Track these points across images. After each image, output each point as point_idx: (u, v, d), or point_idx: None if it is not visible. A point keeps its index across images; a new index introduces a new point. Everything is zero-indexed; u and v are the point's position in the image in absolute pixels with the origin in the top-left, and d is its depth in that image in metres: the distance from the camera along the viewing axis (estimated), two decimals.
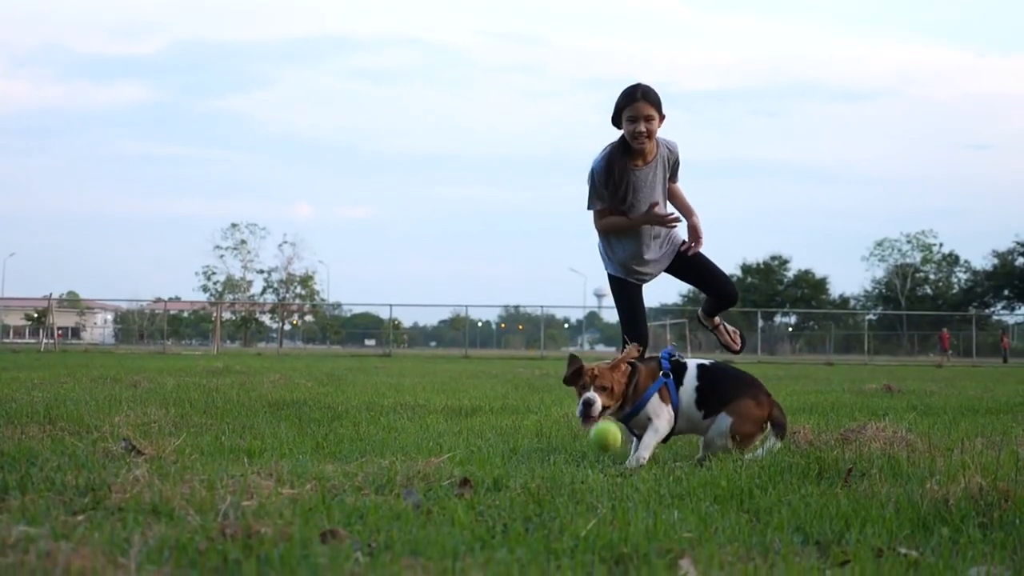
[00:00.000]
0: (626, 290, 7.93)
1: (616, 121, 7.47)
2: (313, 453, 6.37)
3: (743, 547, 3.79)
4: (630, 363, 6.40)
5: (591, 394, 6.20)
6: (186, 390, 12.70)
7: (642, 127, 7.29)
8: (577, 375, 6.33)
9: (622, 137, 7.47)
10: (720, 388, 6.38)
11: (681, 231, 7.98)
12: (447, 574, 3.09)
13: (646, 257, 7.78)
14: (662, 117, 7.37)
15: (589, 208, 7.72)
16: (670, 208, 7.82)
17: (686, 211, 7.91)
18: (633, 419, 6.38)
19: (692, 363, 6.54)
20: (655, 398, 6.35)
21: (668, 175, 7.69)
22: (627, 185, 7.45)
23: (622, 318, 8.00)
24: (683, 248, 7.89)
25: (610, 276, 8.04)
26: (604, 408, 6.23)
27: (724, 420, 6.37)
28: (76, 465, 5.29)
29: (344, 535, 3.70)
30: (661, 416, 6.36)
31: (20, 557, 3.01)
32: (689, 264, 7.90)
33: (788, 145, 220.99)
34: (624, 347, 6.83)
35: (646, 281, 7.96)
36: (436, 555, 3.43)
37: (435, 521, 4.12)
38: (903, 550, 3.83)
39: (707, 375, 6.44)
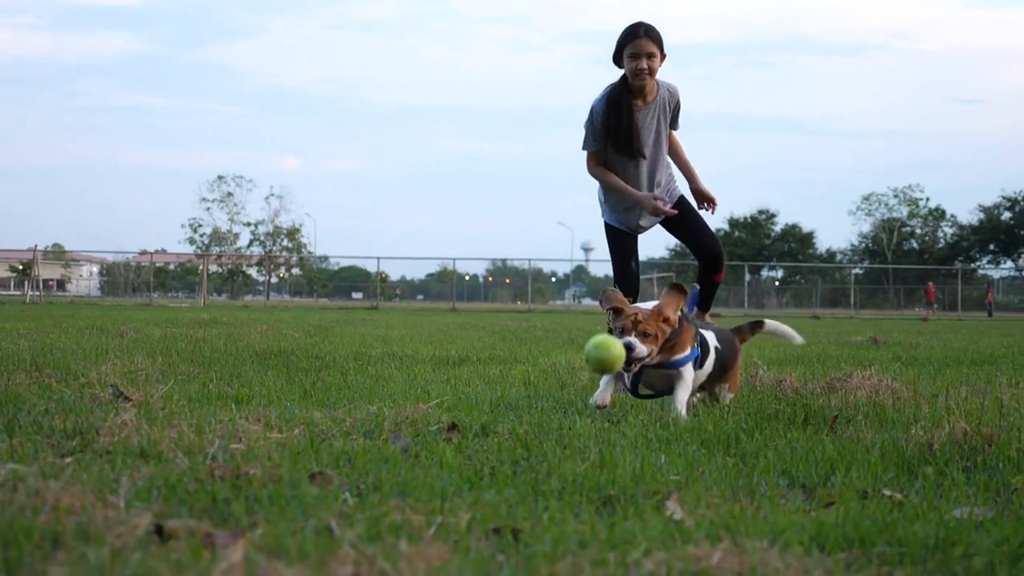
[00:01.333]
0: (621, 240, 7.90)
1: (617, 59, 7.45)
2: (301, 400, 6.37)
3: (729, 489, 3.81)
4: (681, 315, 5.97)
5: (632, 339, 5.74)
6: (173, 340, 12.69)
7: (644, 64, 7.27)
8: (617, 314, 5.93)
9: (623, 76, 7.44)
10: (725, 357, 6.34)
11: (680, 185, 7.96)
12: (435, 514, 3.09)
13: (634, 206, 7.76)
14: (663, 56, 7.34)
15: (583, 149, 7.68)
16: (675, 179, 7.81)
17: (688, 173, 7.89)
18: (657, 372, 6.00)
19: (711, 337, 6.28)
20: (689, 366, 6.01)
21: (668, 119, 7.66)
22: (629, 125, 7.41)
23: (615, 268, 7.96)
24: (703, 209, 7.90)
25: (606, 225, 8.00)
26: (646, 357, 5.78)
27: (724, 389, 6.41)
28: (63, 410, 5.29)
29: (333, 476, 3.71)
30: (687, 383, 5.99)
31: (9, 495, 3.02)
32: (679, 217, 7.87)
33: (777, 99, 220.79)
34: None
35: (642, 232, 7.93)
36: (424, 496, 3.44)
37: (423, 464, 4.13)
38: (888, 492, 3.85)
39: (722, 348, 6.33)
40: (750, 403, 6.28)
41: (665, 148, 7.67)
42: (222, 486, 3.40)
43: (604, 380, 6.01)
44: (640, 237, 7.98)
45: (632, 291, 7.47)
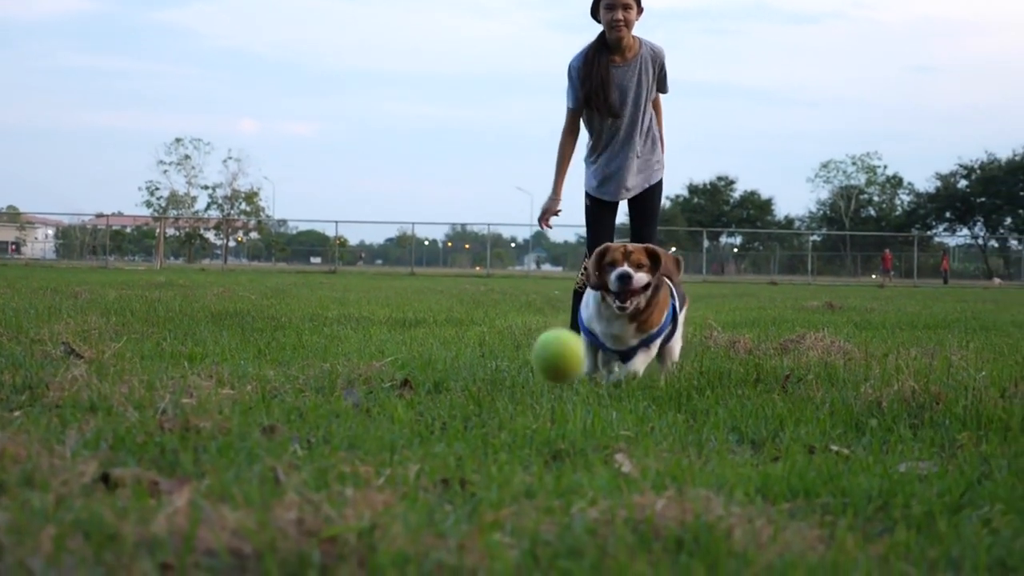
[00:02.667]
0: (596, 209, 7.79)
1: (594, 12, 7.39)
2: (255, 359, 6.36)
3: (678, 444, 3.84)
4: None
5: (626, 268, 5.45)
6: (128, 301, 12.62)
7: (619, 15, 7.20)
8: (602, 255, 5.58)
9: (600, 33, 7.39)
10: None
11: (663, 163, 7.81)
12: (384, 466, 3.10)
13: (625, 175, 7.59)
14: (640, 9, 7.28)
15: (567, 106, 7.61)
16: (659, 154, 7.69)
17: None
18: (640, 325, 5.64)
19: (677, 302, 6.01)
20: (658, 342, 5.80)
21: (653, 80, 7.54)
22: (603, 80, 7.34)
23: (588, 237, 7.86)
24: None
25: (586, 194, 7.88)
26: (646, 285, 5.52)
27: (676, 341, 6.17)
28: (13, 365, 5.27)
29: (283, 430, 3.71)
30: (651, 354, 5.80)
31: None
32: (639, 203, 7.74)
33: (736, 66, 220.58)
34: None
35: (617, 199, 7.76)
36: (373, 449, 3.45)
37: (374, 419, 4.14)
38: (835, 447, 3.89)
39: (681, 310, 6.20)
40: (703, 362, 6.31)
41: (646, 111, 7.53)
42: (171, 438, 3.39)
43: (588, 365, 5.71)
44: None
45: None
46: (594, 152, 7.64)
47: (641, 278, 5.45)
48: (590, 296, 5.81)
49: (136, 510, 2.27)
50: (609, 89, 7.35)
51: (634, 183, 7.59)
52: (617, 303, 5.47)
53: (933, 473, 3.39)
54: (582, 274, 6.62)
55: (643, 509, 2.55)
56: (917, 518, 2.82)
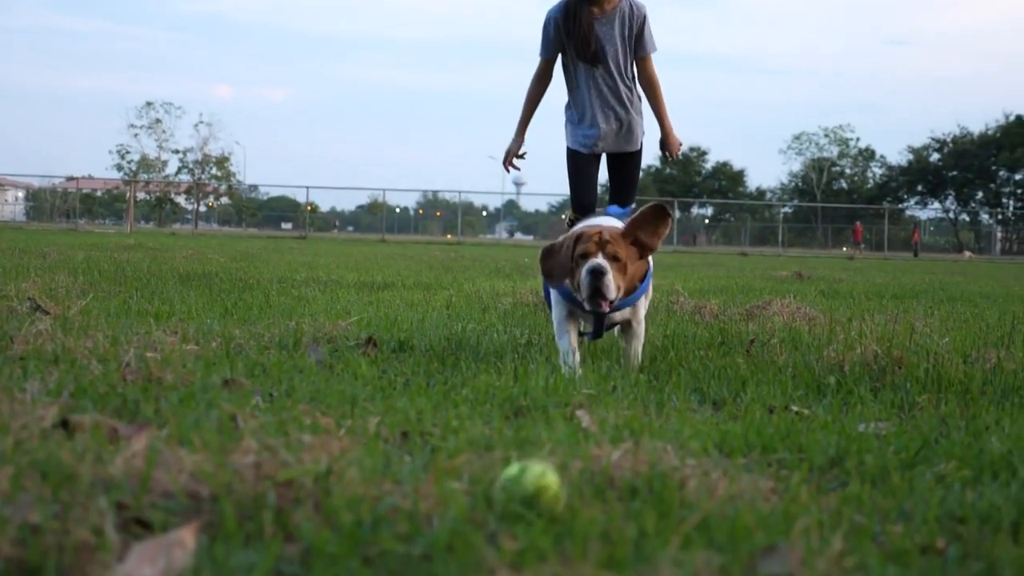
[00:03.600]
0: (576, 162, 7.72)
1: None
2: (221, 317, 6.35)
3: (639, 403, 3.86)
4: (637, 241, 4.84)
5: (602, 261, 4.60)
6: (96, 262, 12.57)
7: None
8: (578, 241, 4.74)
9: None
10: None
11: (643, 130, 7.74)
12: (345, 418, 3.11)
13: (599, 122, 7.50)
14: None
15: (540, 55, 7.54)
16: (640, 121, 7.60)
17: (659, 113, 7.65)
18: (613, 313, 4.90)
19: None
20: (643, 300, 5.12)
21: (632, 37, 7.45)
22: (586, 32, 7.26)
23: (571, 191, 7.80)
24: (662, 155, 7.72)
25: (567, 149, 7.80)
26: (617, 290, 4.64)
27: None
28: None
29: (245, 383, 3.72)
30: (642, 320, 5.15)
31: None
32: (618, 163, 7.68)
33: (711, 36, 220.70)
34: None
35: (594, 149, 7.62)
36: (335, 402, 3.46)
37: (337, 375, 4.16)
38: (795, 408, 3.93)
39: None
40: (667, 326, 6.34)
41: (627, 67, 7.40)
42: (132, 388, 3.40)
43: (564, 345, 4.95)
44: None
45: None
46: (572, 105, 7.58)
47: (610, 285, 4.57)
48: None
49: (94, 452, 2.28)
50: (591, 39, 7.30)
51: (610, 135, 7.50)
52: (589, 301, 4.63)
53: (891, 433, 3.43)
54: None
55: (599, 460, 2.57)
56: (872, 473, 2.85)
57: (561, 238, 4.94)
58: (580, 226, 4.95)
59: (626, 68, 7.41)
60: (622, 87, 7.41)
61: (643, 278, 4.95)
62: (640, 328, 5.08)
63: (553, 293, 5.06)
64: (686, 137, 8.11)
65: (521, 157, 7.60)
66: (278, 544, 1.90)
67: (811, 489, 2.59)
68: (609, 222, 5.00)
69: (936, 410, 3.99)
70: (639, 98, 7.53)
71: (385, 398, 3.64)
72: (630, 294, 4.84)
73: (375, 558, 1.92)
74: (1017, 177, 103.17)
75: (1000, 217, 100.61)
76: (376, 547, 1.94)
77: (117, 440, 2.47)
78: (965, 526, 2.40)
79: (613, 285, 4.56)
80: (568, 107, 7.64)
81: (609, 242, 4.62)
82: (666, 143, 7.58)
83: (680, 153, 7.66)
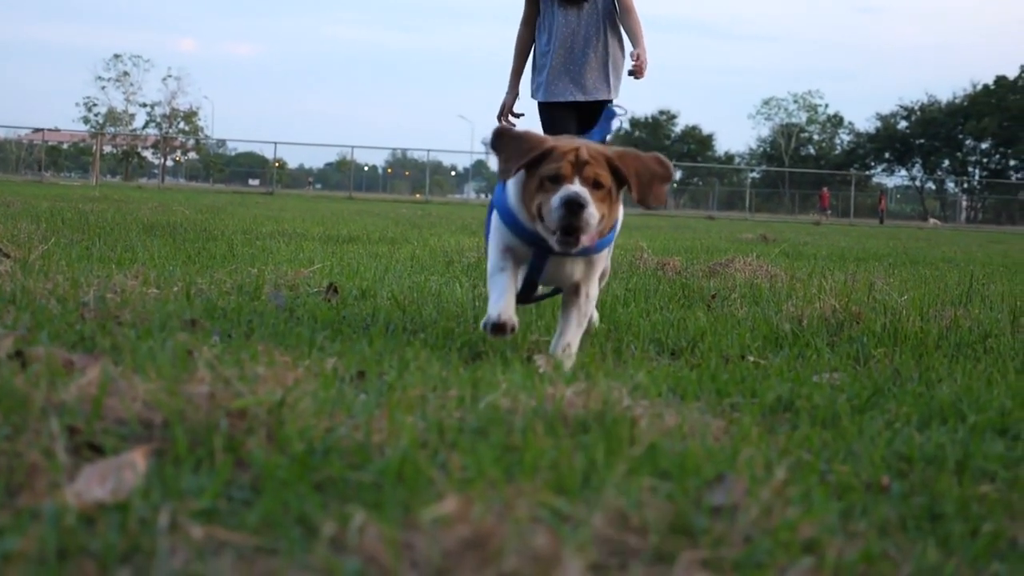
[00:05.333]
0: (551, 120, 7.58)
1: None
2: (183, 264, 6.34)
3: (599, 351, 3.89)
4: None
5: (580, 189, 3.52)
6: (60, 212, 12.49)
7: None
8: (545, 157, 3.63)
9: None
10: None
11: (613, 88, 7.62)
12: (302, 359, 3.12)
13: (583, 72, 7.37)
14: None
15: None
16: (616, 82, 7.50)
17: (634, 37, 7.52)
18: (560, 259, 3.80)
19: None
20: (606, 252, 4.05)
21: None
22: None
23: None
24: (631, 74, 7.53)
25: (537, 104, 7.66)
26: (600, 221, 3.60)
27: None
28: None
29: (205, 324, 3.72)
30: (594, 294, 4.03)
31: None
32: (590, 118, 7.53)
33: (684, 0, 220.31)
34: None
35: (567, 98, 7.48)
36: (293, 343, 3.47)
37: (298, 319, 4.16)
38: (751, 358, 3.96)
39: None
40: (630, 280, 6.36)
41: (604, 17, 7.34)
42: (90, 325, 3.40)
43: (498, 286, 3.79)
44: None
45: None
46: (545, 53, 7.44)
47: (592, 217, 3.53)
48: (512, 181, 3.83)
49: (47, 379, 2.28)
50: None
51: (586, 89, 7.36)
52: (558, 238, 3.56)
53: (846, 383, 3.47)
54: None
55: (552, 398, 2.59)
56: (823, 417, 2.89)
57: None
58: (553, 140, 3.76)
59: (601, 17, 7.33)
60: (599, 35, 7.34)
61: (610, 228, 3.86)
62: (588, 304, 3.94)
63: (494, 217, 3.98)
64: (655, 100, 8.02)
65: (517, 116, 7.52)
66: (228, 468, 1.91)
67: (761, 430, 2.62)
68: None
69: (890, 362, 4.03)
70: (616, 59, 7.47)
71: (344, 340, 3.66)
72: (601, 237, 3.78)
73: (325, 484, 1.94)
74: (983, 146, 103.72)
75: (966, 186, 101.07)
76: (326, 473, 1.96)
77: (72, 371, 2.47)
78: (911, 466, 2.44)
79: (596, 217, 3.53)
80: (540, 57, 7.55)
81: (589, 163, 3.57)
82: (636, 55, 7.35)
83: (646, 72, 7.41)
